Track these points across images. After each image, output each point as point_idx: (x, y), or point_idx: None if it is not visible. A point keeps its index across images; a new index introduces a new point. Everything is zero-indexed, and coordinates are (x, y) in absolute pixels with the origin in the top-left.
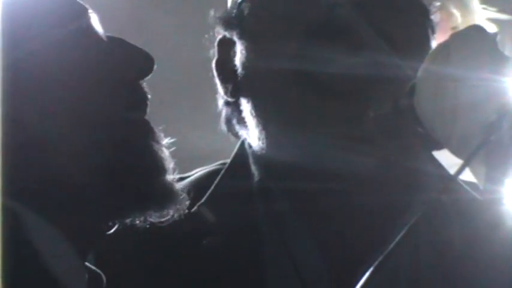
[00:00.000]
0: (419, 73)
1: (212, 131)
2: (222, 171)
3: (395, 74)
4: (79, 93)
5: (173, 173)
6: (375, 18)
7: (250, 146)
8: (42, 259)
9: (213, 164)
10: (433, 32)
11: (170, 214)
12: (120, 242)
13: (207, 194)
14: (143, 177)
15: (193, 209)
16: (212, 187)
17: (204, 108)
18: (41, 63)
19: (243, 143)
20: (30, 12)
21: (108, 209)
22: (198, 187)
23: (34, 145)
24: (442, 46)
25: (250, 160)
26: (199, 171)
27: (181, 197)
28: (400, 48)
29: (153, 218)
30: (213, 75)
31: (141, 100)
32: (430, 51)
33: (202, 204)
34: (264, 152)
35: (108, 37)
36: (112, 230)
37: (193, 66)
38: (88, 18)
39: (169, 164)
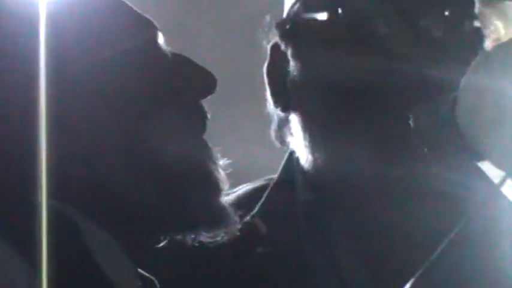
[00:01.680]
0: (462, 84)
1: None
2: (270, 186)
3: (438, 85)
4: (140, 108)
5: (227, 195)
6: (419, 26)
7: (297, 160)
8: (98, 265)
9: (260, 179)
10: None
11: (220, 235)
12: (174, 249)
13: (258, 205)
14: (197, 196)
15: (246, 220)
16: (262, 200)
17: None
18: (105, 75)
19: (290, 156)
20: (98, 24)
21: (160, 224)
22: (247, 201)
23: (93, 157)
24: (484, 57)
25: (297, 175)
26: (246, 186)
27: (233, 219)
28: (444, 59)
29: (203, 237)
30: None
31: (200, 119)
32: (473, 63)
33: (254, 215)
34: (311, 167)
35: (172, 53)
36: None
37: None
38: (154, 34)
39: (225, 185)
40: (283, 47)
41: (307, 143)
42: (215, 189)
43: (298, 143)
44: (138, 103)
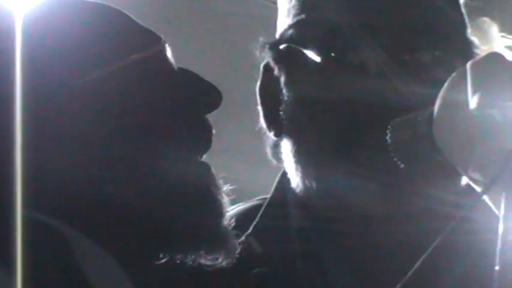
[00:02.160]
0: (438, 100)
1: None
2: (264, 206)
3: (413, 101)
4: (142, 119)
5: (230, 220)
6: (390, 44)
7: (290, 180)
8: (85, 279)
9: (254, 199)
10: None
11: (220, 259)
12: (170, 268)
13: (253, 225)
14: (198, 219)
15: (241, 239)
16: (256, 219)
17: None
18: (109, 87)
19: (283, 175)
20: (104, 35)
21: (160, 242)
22: (242, 221)
23: (91, 172)
24: (460, 73)
25: (290, 195)
26: (240, 205)
27: (234, 243)
28: (418, 75)
29: (202, 259)
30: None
31: (205, 134)
32: (449, 79)
33: (249, 235)
34: (303, 193)
35: (179, 68)
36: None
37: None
38: (162, 48)
39: (227, 210)
40: (276, 69)
41: (298, 170)
42: (218, 212)
43: (290, 168)
44: (141, 117)
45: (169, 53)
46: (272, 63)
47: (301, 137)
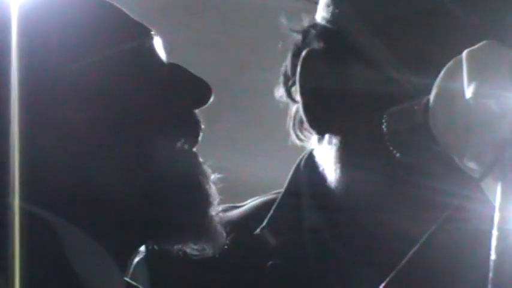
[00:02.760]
0: (434, 89)
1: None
2: (278, 199)
3: (409, 90)
4: (131, 111)
5: (218, 208)
6: (384, 34)
7: (305, 172)
8: (75, 272)
9: (269, 193)
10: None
11: (207, 249)
12: (181, 260)
13: (267, 218)
14: (184, 208)
15: (256, 232)
16: (270, 212)
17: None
18: (97, 77)
19: (297, 168)
20: (93, 27)
21: (146, 231)
22: (257, 214)
23: (78, 162)
24: (457, 62)
25: (304, 188)
26: (256, 199)
27: (221, 234)
28: (414, 64)
29: (190, 249)
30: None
31: (193, 129)
32: (445, 67)
33: (263, 228)
34: (330, 186)
35: (170, 63)
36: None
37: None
38: (150, 40)
39: (214, 200)
40: (323, 58)
41: (337, 170)
42: (205, 201)
43: (325, 159)
44: (128, 108)
45: (159, 46)
46: (317, 52)
47: (348, 135)
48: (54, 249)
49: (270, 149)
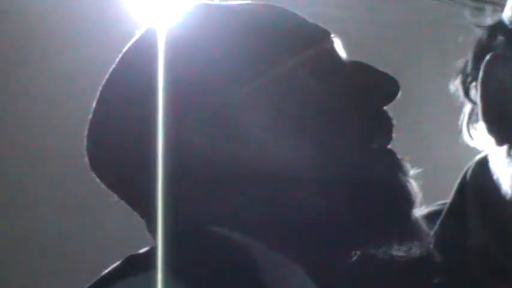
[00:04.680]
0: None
1: None
2: (443, 214)
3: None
4: (321, 119)
5: (420, 207)
6: None
7: (472, 187)
8: None
9: (434, 204)
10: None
11: (413, 250)
12: (350, 273)
13: (432, 233)
14: (388, 210)
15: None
16: (435, 227)
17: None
18: (279, 87)
19: (463, 180)
20: (272, 33)
21: (350, 239)
22: None
23: (277, 176)
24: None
25: (471, 204)
26: (420, 210)
27: (426, 233)
28: None
29: (395, 251)
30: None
31: (386, 127)
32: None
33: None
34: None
35: (351, 61)
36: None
37: None
38: (331, 42)
39: (417, 198)
40: (506, 63)
41: None
42: (407, 202)
43: (501, 167)
44: (318, 115)
45: (340, 46)
46: (504, 57)
47: None
48: (249, 270)
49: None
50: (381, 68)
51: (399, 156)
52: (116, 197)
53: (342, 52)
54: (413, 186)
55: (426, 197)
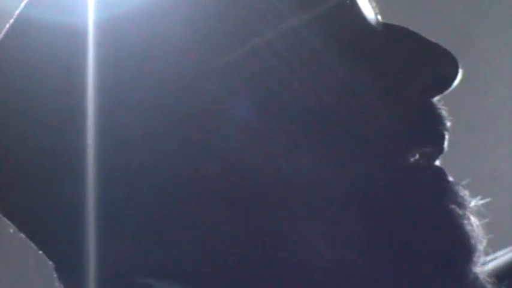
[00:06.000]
0: None
1: None
2: None
3: None
4: (330, 118)
5: (483, 258)
6: None
7: None
8: None
9: (505, 252)
10: None
11: None
12: None
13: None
14: (434, 265)
15: None
16: None
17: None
18: (257, 63)
19: None
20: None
21: None
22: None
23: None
24: None
25: None
26: (509, 251)
27: None
28: None
29: None
30: None
31: (435, 131)
32: None
33: None
34: None
35: (384, 25)
36: None
37: None
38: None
39: (480, 244)
40: None
41: None
42: (464, 251)
43: None
44: (329, 110)
45: (365, 3)
46: None
47: None
48: None
49: None
50: (431, 39)
51: (452, 179)
52: None
53: (369, 9)
54: (474, 225)
55: (492, 242)
